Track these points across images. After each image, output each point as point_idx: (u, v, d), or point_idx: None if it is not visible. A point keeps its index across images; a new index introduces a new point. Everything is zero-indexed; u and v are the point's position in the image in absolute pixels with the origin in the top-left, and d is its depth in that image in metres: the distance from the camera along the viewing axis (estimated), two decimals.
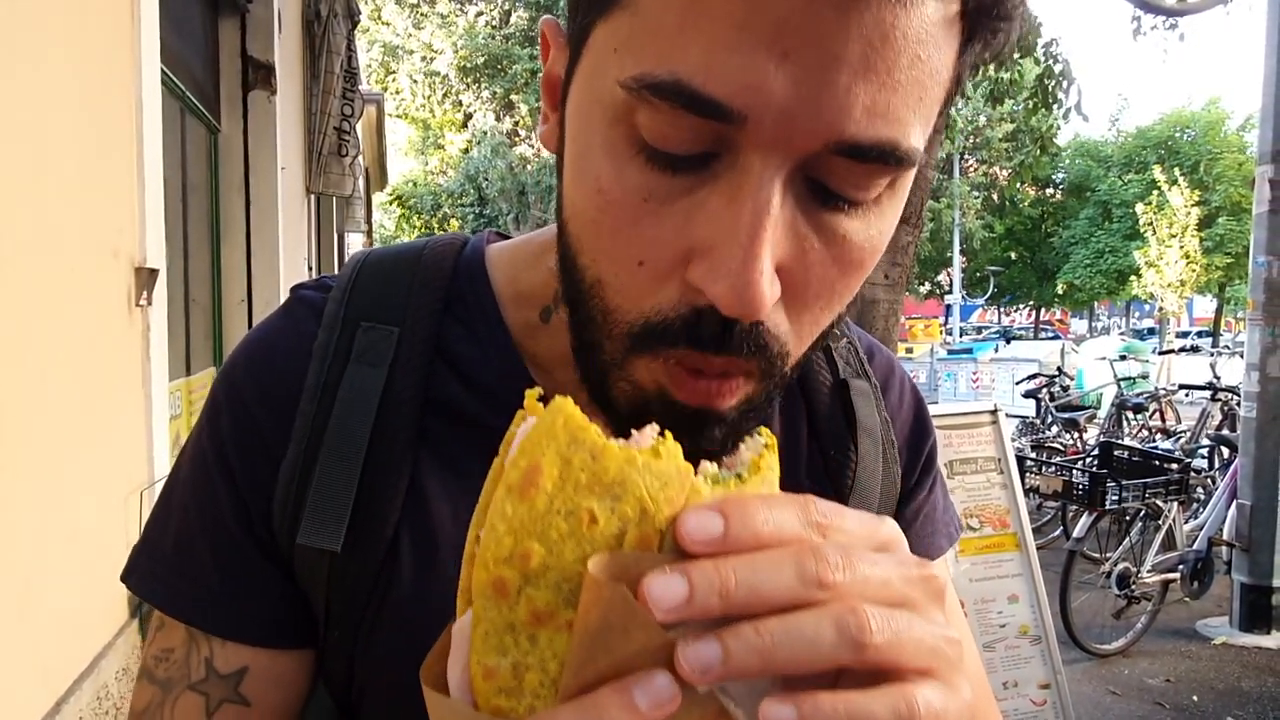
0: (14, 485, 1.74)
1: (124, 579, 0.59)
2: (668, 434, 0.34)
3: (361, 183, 7.51)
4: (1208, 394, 7.06)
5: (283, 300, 0.64)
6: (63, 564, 1.94)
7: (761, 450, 0.38)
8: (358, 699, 0.58)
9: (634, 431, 0.35)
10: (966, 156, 29.94)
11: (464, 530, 0.58)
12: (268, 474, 0.56)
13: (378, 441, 0.55)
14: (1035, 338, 34.32)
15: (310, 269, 6.00)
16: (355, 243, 10.62)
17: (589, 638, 0.30)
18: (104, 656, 2.14)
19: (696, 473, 0.35)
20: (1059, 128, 7.50)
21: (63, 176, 1.95)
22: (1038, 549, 3.02)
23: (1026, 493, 3.86)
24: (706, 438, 0.48)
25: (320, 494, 0.54)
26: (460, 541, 0.57)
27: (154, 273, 2.42)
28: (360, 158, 6.24)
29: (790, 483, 0.63)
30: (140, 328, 2.41)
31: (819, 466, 0.65)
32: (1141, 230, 26.59)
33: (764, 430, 0.38)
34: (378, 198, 18.79)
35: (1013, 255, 36.05)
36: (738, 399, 0.47)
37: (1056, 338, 29.92)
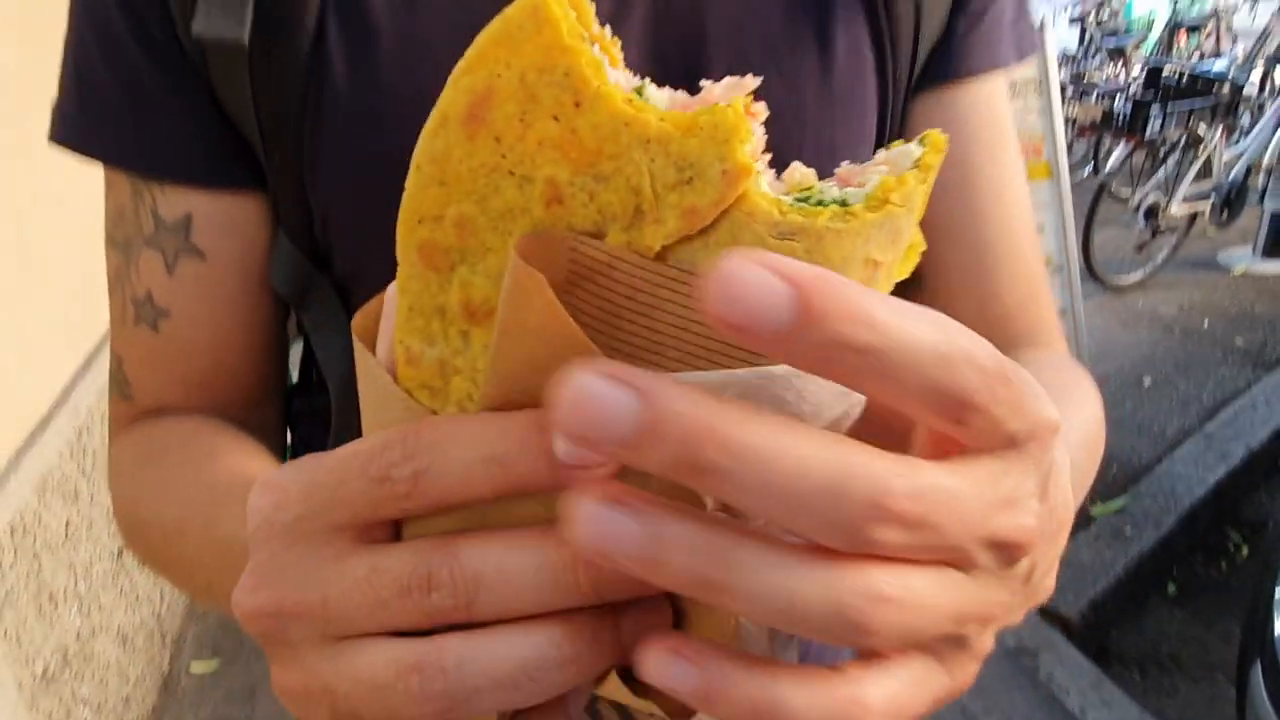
0: None
1: (50, 137, 0.53)
2: (736, 104, 0.20)
3: None
4: (1275, 5, 6.46)
5: None
6: (64, 227, 1.89)
7: (905, 173, 0.22)
8: (323, 239, 0.52)
9: (676, 92, 0.22)
10: None
11: (402, 22, 0.47)
12: None
13: None
14: None
15: None
16: None
17: (508, 339, 0.22)
18: None
19: (777, 176, 0.22)
20: None
21: None
22: None
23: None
24: None
25: None
26: (400, 31, 0.47)
27: None
28: None
29: None
30: None
31: None
32: None
33: (935, 139, 0.23)
34: None
35: None
36: None
37: None
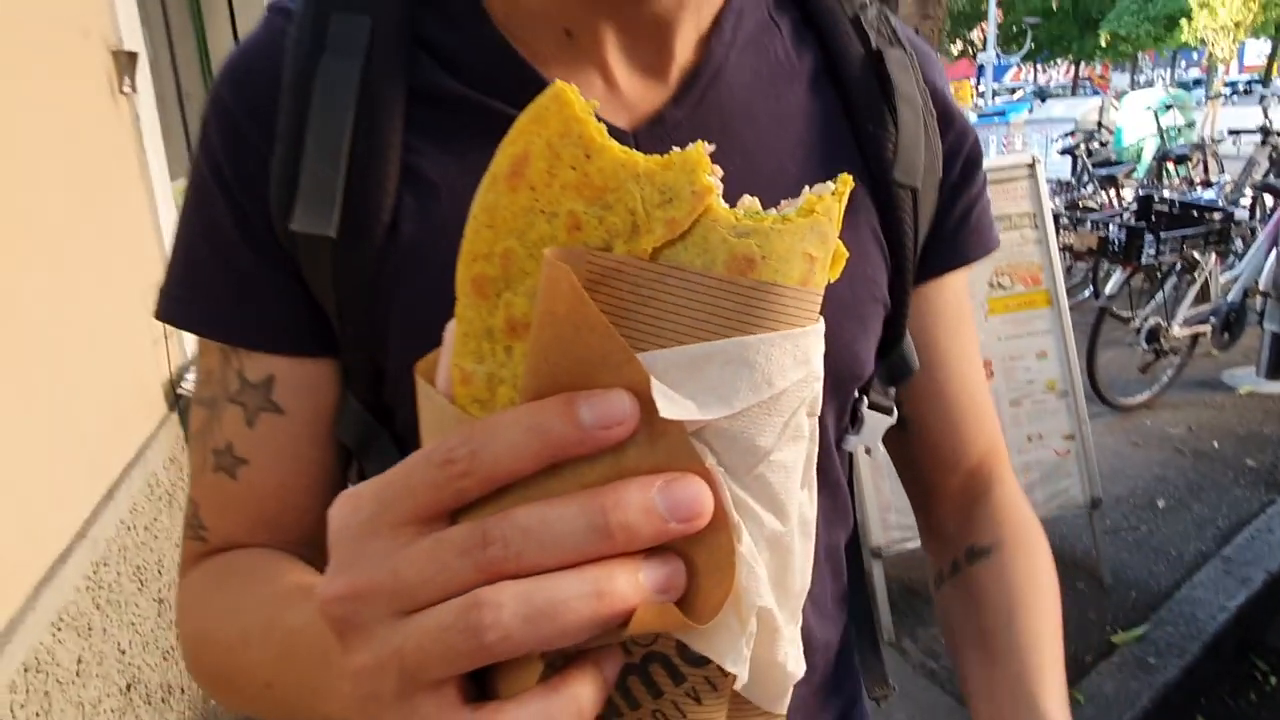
0: (23, 287, 1.71)
1: (155, 315, 0.61)
2: (698, 145, 0.28)
3: None
4: (1257, 139, 6.72)
5: None
6: (89, 365, 1.95)
7: (825, 194, 0.29)
8: (393, 397, 0.59)
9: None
10: None
11: (466, 210, 0.57)
12: (259, 174, 0.56)
13: (362, 130, 0.55)
14: (1073, 95, 32.59)
15: None
16: None
17: (542, 329, 0.28)
18: (149, 447, 2.22)
19: (732, 207, 0.29)
20: None
21: None
22: None
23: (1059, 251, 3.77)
24: None
25: (309, 181, 0.55)
26: (464, 219, 0.56)
27: (133, 56, 2.27)
28: None
29: (821, 162, 0.60)
30: (129, 117, 2.29)
31: (851, 144, 0.62)
32: None
33: (844, 177, 0.30)
34: None
35: (1054, 4, 33.56)
36: None
37: (1096, 94, 28.34)
